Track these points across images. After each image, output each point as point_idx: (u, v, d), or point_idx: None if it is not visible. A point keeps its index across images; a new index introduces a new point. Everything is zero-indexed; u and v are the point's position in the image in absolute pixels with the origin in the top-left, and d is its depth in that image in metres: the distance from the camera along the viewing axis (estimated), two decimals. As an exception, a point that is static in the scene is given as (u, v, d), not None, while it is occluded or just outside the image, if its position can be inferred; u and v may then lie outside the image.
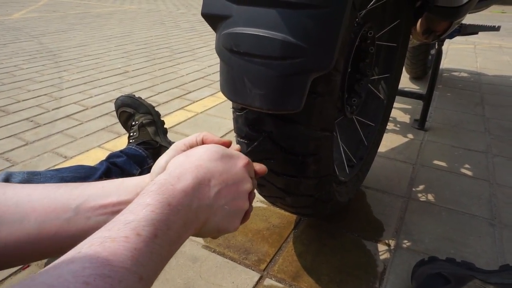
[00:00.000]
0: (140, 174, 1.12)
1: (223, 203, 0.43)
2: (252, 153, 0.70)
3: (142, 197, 0.36)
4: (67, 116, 1.78)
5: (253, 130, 0.67)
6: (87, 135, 1.59)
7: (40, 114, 1.80)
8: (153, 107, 1.33)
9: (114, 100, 1.33)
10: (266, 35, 0.54)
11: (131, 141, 1.22)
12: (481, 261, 0.93)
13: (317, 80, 0.58)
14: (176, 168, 0.41)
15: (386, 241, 1.00)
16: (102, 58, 2.90)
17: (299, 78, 0.55)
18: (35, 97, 2.01)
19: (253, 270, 0.90)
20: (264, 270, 0.90)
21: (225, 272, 0.89)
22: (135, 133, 1.24)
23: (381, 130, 1.18)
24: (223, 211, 0.43)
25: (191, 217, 0.38)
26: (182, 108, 1.93)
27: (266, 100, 0.56)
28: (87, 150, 1.46)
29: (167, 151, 0.49)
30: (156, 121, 1.30)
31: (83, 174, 0.94)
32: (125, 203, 0.41)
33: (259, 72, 0.55)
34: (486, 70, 2.87)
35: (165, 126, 1.34)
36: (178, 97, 2.09)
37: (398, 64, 1.15)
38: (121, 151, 1.13)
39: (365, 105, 1.16)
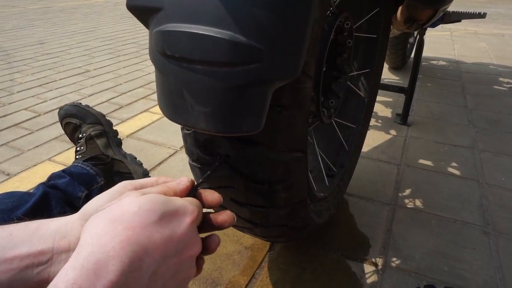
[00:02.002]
0: (88, 196, 0.96)
1: (160, 285, 0.33)
2: (207, 180, 0.56)
3: None
4: (15, 125, 1.59)
5: (205, 153, 0.53)
6: (36, 147, 1.41)
7: (-16, 123, 1.59)
8: (103, 116, 1.16)
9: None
10: (208, 33, 0.39)
11: (77, 156, 1.06)
12: (478, 280, 0.83)
13: (281, 90, 0.45)
14: (91, 251, 0.29)
15: (373, 260, 0.89)
16: (62, 56, 2.68)
17: (255, 90, 0.41)
18: (-20, 104, 1.79)
19: (221, 307, 0.77)
20: (234, 306, 0.77)
21: (188, 313, 0.75)
22: (82, 147, 1.08)
23: (363, 132, 1.06)
24: None
25: None
26: (146, 110, 1.76)
27: (214, 121, 0.42)
28: (35, 165, 1.29)
29: (110, 190, 0.39)
30: (107, 131, 1.14)
31: (9, 205, 0.77)
32: (38, 254, 0.34)
33: (201, 84, 0.41)
34: (464, 58, 2.81)
35: (119, 136, 1.18)
36: (143, 97, 1.91)
37: (380, 57, 1.03)
38: (63, 171, 0.96)
39: (344, 105, 1.03)
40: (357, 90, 1.04)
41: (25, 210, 0.78)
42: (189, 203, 0.37)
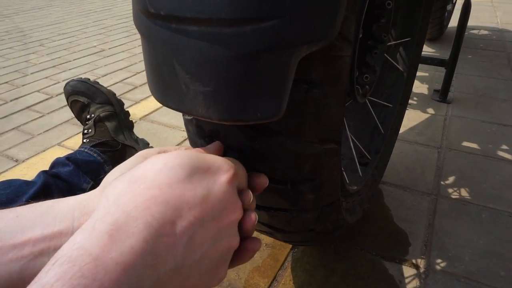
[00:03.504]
0: (94, 187, 0.87)
1: (199, 256, 0.26)
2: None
3: None
4: (27, 107, 1.53)
5: (211, 145, 0.41)
6: (46, 131, 1.34)
7: (-4, 107, 1.54)
8: (114, 95, 1.06)
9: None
10: (204, -23, 0.27)
11: (84, 140, 0.97)
12: (544, 289, 0.70)
13: (309, 61, 0.32)
14: (107, 212, 0.24)
15: (414, 261, 0.77)
16: (77, 36, 2.60)
17: (273, 59, 0.29)
18: (-7, 87, 1.75)
19: (238, 315, 0.67)
20: (253, 314, 0.67)
21: (200, 321, 0.66)
22: (90, 130, 0.99)
23: (401, 112, 0.92)
24: (200, 267, 0.27)
25: None
26: (161, 90, 1.66)
27: (216, 104, 0.31)
28: (44, 150, 1.22)
29: (133, 156, 0.34)
30: (118, 113, 1.04)
31: (4, 198, 0.69)
32: (54, 236, 0.28)
33: (197, 53, 0.29)
34: (508, 26, 2.53)
35: (131, 118, 1.08)
36: (158, 77, 1.81)
37: (422, 23, 0.87)
38: (68, 157, 0.88)
39: (379, 81, 0.89)
40: (395, 63, 0.89)
41: (24, 202, 0.70)
42: (223, 160, 0.31)
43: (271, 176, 0.40)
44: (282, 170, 0.40)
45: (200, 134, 0.42)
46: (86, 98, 1.03)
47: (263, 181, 0.35)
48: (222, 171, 0.30)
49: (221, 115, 0.31)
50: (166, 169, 0.27)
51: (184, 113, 0.33)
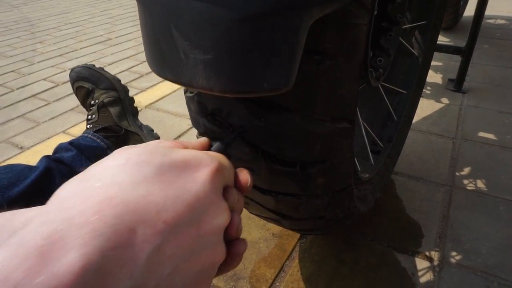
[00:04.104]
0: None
1: (169, 272, 0.21)
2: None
3: None
4: (33, 95, 1.52)
5: (214, 124, 0.38)
6: (52, 118, 1.33)
7: (2, 95, 1.53)
8: (119, 81, 1.04)
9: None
10: None
11: (88, 126, 0.95)
12: None
13: (322, 28, 0.29)
14: (43, 220, 0.18)
15: (427, 253, 0.73)
16: (84, 25, 2.59)
17: (281, 23, 0.25)
18: (0, 75, 1.74)
19: (243, 306, 0.65)
20: (259, 306, 0.65)
21: (204, 312, 0.64)
22: (93, 116, 0.97)
23: (415, 99, 0.88)
24: (171, 286, 0.21)
25: None
26: (167, 79, 1.63)
27: (218, 74, 0.28)
28: (49, 138, 1.21)
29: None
30: (122, 98, 1.02)
31: (5, 182, 0.67)
32: None
33: (197, 15, 0.26)
34: (526, 15, 2.45)
35: (136, 105, 1.06)
36: (164, 66, 1.79)
37: (440, 5, 0.82)
38: (71, 142, 0.86)
39: (393, 66, 0.85)
40: (410, 48, 0.85)
41: (24, 187, 0.68)
42: (204, 153, 0.26)
43: (279, 158, 0.38)
44: (290, 151, 0.37)
45: (202, 112, 0.39)
46: (90, 84, 1.01)
47: (248, 178, 0.29)
48: (203, 166, 0.24)
49: (223, 86, 0.28)
50: (129, 165, 0.22)
51: (183, 85, 0.30)
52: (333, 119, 0.35)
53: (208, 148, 0.30)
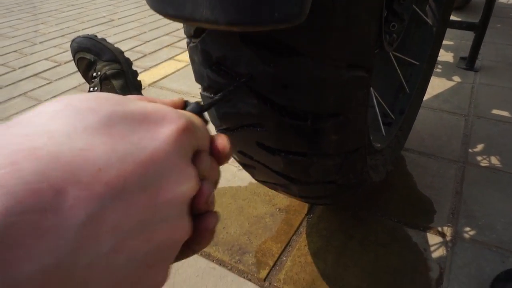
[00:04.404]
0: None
1: (109, 249, 0.16)
2: (223, 116, 0.39)
3: None
4: (35, 74, 1.49)
5: (218, 75, 0.36)
6: (54, 96, 1.31)
7: (4, 74, 1.51)
8: (122, 53, 1.01)
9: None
10: None
11: (89, 100, 0.92)
12: None
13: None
14: None
15: (440, 229, 0.71)
16: (87, 7, 2.55)
17: None
18: (1, 55, 1.71)
19: (249, 279, 0.63)
20: (265, 279, 0.63)
21: (209, 285, 0.62)
22: (95, 88, 0.94)
23: (428, 71, 0.84)
24: (114, 269, 0.16)
25: None
26: (171, 58, 1.60)
27: (224, 2, 0.25)
28: (51, 116, 1.18)
29: None
30: (125, 71, 0.99)
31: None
32: None
33: None
34: (541, -5, 2.37)
35: (139, 78, 1.03)
36: (168, 45, 1.75)
37: (457, -30, 0.78)
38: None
39: (405, 36, 0.81)
40: (424, 16, 0.81)
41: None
42: (172, 109, 0.21)
43: (289, 109, 0.35)
44: (301, 102, 0.34)
45: (207, 62, 0.36)
46: (92, 55, 0.98)
47: (226, 144, 0.24)
48: (167, 122, 0.20)
49: (229, 17, 0.25)
50: (68, 112, 0.17)
51: (185, 21, 0.27)
52: (349, 66, 0.32)
53: (183, 108, 0.24)
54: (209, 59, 0.35)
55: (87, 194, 0.15)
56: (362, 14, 0.30)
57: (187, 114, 0.21)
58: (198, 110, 0.24)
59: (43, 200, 0.14)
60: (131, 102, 0.19)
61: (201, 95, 0.42)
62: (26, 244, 0.13)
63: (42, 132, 0.16)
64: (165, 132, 0.19)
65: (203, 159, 0.22)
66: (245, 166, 0.49)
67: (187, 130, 0.20)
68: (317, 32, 0.30)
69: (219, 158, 0.24)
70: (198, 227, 0.22)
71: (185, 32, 0.38)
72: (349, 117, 0.36)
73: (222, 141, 0.24)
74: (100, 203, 0.15)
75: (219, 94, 0.28)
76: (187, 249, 0.22)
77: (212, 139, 0.24)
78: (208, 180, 0.22)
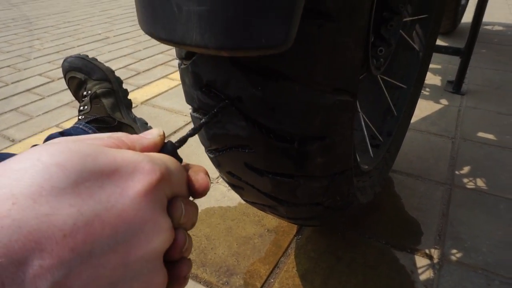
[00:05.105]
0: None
1: None
2: (212, 138, 0.40)
3: None
4: (27, 90, 1.49)
5: (208, 97, 0.36)
6: (45, 112, 1.30)
7: (-4, 88, 1.51)
8: (112, 72, 1.01)
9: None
10: None
11: (80, 117, 0.93)
12: None
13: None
14: None
15: (427, 251, 0.71)
16: (83, 24, 2.57)
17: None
18: (-6, 69, 1.72)
19: (236, 301, 0.62)
20: (252, 301, 0.62)
21: (195, 306, 0.62)
22: (86, 107, 0.94)
23: (415, 94, 0.87)
24: None
25: None
26: (164, 76, 1.61)
27: (213, 28, 0.26)
28: (41, 131, 1.18)
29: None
30: (115, 90, 0.99)
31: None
32: None
33: (191, -40, 0.25)
34: (524, 23, 2.46)
35: (129, 98, 1.03)
36: (162, 64, 1.77)
37: (441, 0, 0.81)
38: (62, 132, 0.84)
39: (393, 60, 0.84)
40: (411, 41, 0.84)
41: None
42: (146, 158, 0.20)
43: (276, 132, 0.36)
44: (289, 125, 0.35)
45: (197, 84, 0.37)
46: (83, 74, 0.99)
47: (207, 181, 0.24)
48: (138, 174, 0.19)
49: (218, 42, 0.26)
50: (34, 170, 0.17)
51: (176, 44, 0.28)
52: (335, 90, 0.34)
53: (163, 142, 0.24)
54: (199, 81, 0.36)
55: (51, 263, 0.15)
56: (347, 41, 0.32)
57: (162, 160, 0.21)
58: (174, 148, 0.24)
59: (3, 275, 0.14)
60: (102, 153, 0.19)
61: (191, 115, 0.43)
62: None
63: (7, 196, 0.15)
64: (135, 187, 0.18)
65: (178, 206, 0.21)
66: (234, 187, 0.50)
67: (161, 181, 0.20)
68: (303, 58, 0.31)
69: (198, 195, 0.24)
70: (172, 274, 0.21)
71: (177, 54, 0.39)
72: (335, 140, 0.37)
73: (202, 181, 0.24)
74: (65, 269, 0.15)
75: (195, 126, 0.29)
76: None
77: (189, 177, 0.23)
78: (183, 227, 0.22)
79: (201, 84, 0.36)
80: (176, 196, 0.22)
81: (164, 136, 0.24)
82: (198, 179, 0.23)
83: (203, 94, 0.37)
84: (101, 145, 0.20)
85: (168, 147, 0.23)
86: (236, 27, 0.25)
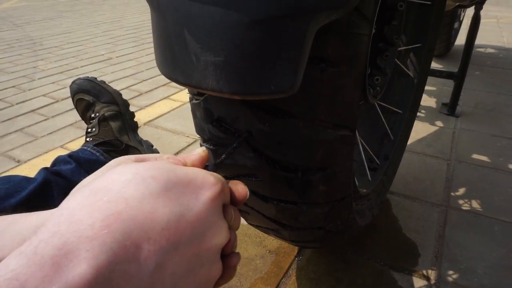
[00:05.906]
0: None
1: (169, 286, 0.22)
2: (222, 167, 0.43)
3: None
4: (32, 110, 1.52)
5: (219, 130, 0.39)
6: (50, 133, 1.33)
7: (1, 109, 1.54)
8: (120, 95, 1.05)
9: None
10: None
11: (88, 139, 0.95)
12: None
13: (327, 37, 0.31)
14: (55, 231, 0.19)
15: (424, 272, 0.73)
16: (86, 45, 2.63)
17: (289, 26, 0.27)
18: (0, 90, 1.75)
19: (239, 322, 0.64)
20: (255, 322, 0.64)
21: (199, 328, 0.63)
22: (94, 129, 0.97)
23: (411, 119, 0.90)
24: None
25: None
26: (167, 97, 1.65)
27: (228, 76, 0.29)
28: (46, 152, 1.21)
29: (101, 168, 0.28)
30: (123, 113, 1.03)
31: (2, 193, 0.67)
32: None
33: (210, 19, 0.28)
34: (515, 46, 2.54)
35: (135, 119, 1.07)
36: (164, 85, 1.81)
37: (433, 30, 0.86)
38: (70, 155, 0.86)
39: (389, 87, 0.88)
40: (405, 69, 0.88)
41: (21, 198, 0.68)
42: (208, 173, 0.26)
43: (281, 163, 0.38)
44: (293, 157, 0.38)
45: (208, 119, 0.40)
46: (91, 96, 1.02)
47: (246, 192, 0.30)
48: (207, 186, 0.25)
49: (232, 88, 0.29)
50: (136, 181, 0.22)
51: (193, 87, 0.31)
52: (335, 126, 0.37)
53: (207, 159, 0.30)
54: (210, 116, 0.39)
55: (155, 248, 0.20)
56: (346, 82, 0.35)
57: (219, 177, 0.27)
58: (216, 166, 0.30)
59: (129, 254, 0.19)
60: (178, 169, 0.25)
61: (201, 145, 0.46)
62: (121, 285, 0.19)
63: (120, 199, 0.21)
64: (205, 195, 0.24)
65: (229, 212, 0.27)
66: (239, 211, 0.52)
67: (221, 192, 0.26)
68: (307, 98, 0.34)
69: (238, 204, 0.30)
70: (225, 265, 0.27)
71: (189, 90, 0.42)
72: (336, 170, 0.40)
73: (242, 191, 0.30)
74: (163, 254, 0.21)
75: (225, 153, 0.33)
76: (215, 284, 0.27)
77: (230, 189, 0.29)
78: (233, 228, 0.28)
79: (212, 119, 0.40)
80: (226, 203, 0.28)
81: (208, 152, 0.31)
82: (238, 189, 0.30)
83: (214, 127, 0.40)
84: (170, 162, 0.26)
85: (211, 167, 0.30)
86: (248, 76, 0.28)
